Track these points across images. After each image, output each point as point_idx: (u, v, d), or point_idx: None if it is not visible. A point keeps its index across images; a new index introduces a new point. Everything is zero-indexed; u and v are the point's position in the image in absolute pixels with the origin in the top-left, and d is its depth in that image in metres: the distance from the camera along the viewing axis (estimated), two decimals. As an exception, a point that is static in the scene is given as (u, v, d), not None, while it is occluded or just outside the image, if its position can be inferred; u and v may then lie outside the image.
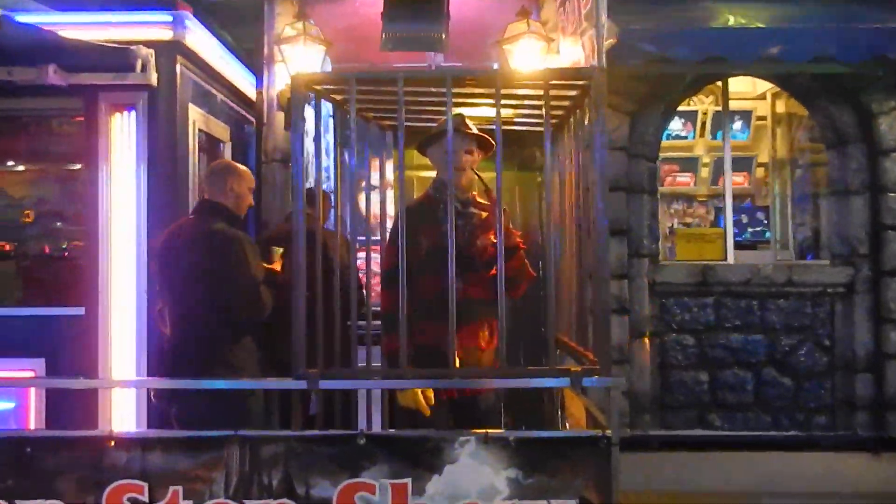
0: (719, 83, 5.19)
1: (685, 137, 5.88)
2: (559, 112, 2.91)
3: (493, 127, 2.79)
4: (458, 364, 2.72)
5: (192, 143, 3.69)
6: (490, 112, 3.08)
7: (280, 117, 4.38)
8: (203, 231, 2.92)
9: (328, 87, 2.69)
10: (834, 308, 4.61)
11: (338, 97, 2.79)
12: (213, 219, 2.93)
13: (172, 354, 2.97)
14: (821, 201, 5.56)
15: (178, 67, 3.51)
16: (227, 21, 4.70)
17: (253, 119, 4.70)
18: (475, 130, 2.82)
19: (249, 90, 4.67)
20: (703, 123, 5.84)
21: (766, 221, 5.78)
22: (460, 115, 2.83)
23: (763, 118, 5.79)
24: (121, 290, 3.36)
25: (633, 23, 3.48)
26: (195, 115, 3.75)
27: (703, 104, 5.83)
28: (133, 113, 3.43)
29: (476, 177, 2.84)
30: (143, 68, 3.33)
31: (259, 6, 4.54)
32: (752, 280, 4.59)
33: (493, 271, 2.42)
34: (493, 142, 2.48)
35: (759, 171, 5.97)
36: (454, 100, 2.63)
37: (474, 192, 2.89)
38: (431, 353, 2.72)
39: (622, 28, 3.24)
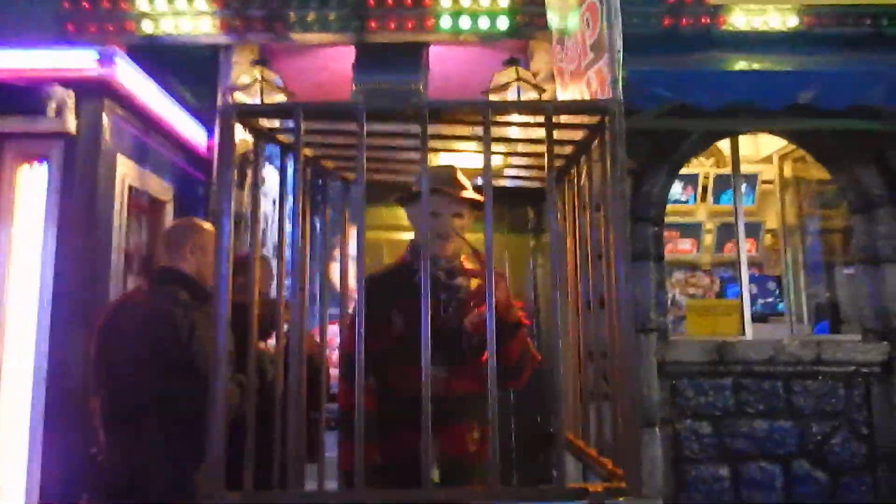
0: (721, 143, 4.77)
1: (685, 202, 5.43)
2: (558, 161, 2.38)
3: (480, 178, 2.27)
4: (437, 479, 2.09)
5: (120, 201, 3.11)
6: (475, 162, 2.56)
7: (234, 175, 3.82)
8: (162, 305, 2.28)
9: (271, 127, 2.14)
10: (870, 389, 4.02)
11: (286, 139, 2.23)
12: (172, 290, 2.32)
13: (111, 479, 2.25)
14: (836, 270, 5.10)
15: (104, 112, 2.96)
16: (185, 78, 4.21)
17: (203, 177, 4.14)
18: (469, 188, 2.25)
19: (202, 146, 4.13)
20: (705, 187, 5.41)
21: (777, 292, 5.27)
22: (451, 169, 2.27)
23: (769, 182, 5.37)
24: (10, 385, 2.68)
25: (643, 66, 3.01)
26: (126, 168, 3.19)
27: (703, 167, 5.42)
28: (45, 165, 2.85)
29: (463, 242, 2.25)
30: (59, 112, 2.78)
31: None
32: (775, 358, 4.01)
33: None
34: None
35: (767, 239, 5.51)
36: (432, 143, 2.09)
37: (463, 257, 2.30)
38: (407, 470, 2.06)
39: (631, 69, 2.74)
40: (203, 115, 4.04)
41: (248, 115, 1.92)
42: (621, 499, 1.79)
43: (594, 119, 2.03)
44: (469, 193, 2.18)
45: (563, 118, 2.05)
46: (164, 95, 3.55)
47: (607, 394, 2.18)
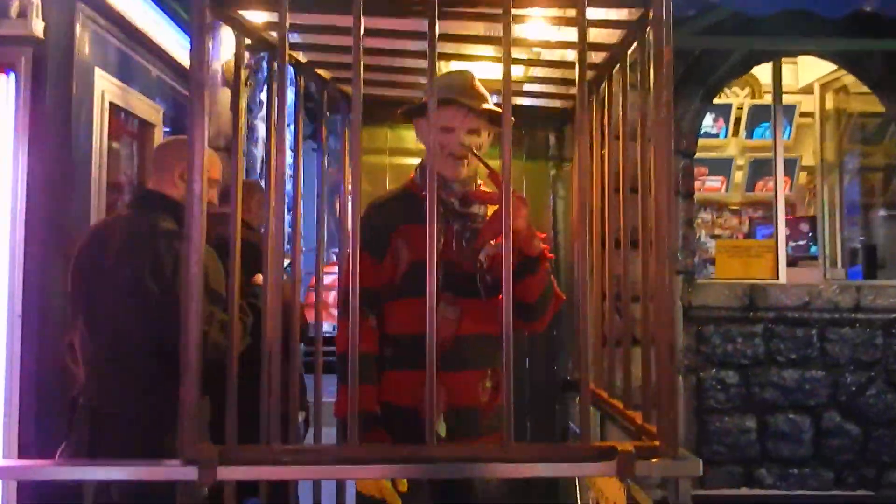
0: (759, 71, 4.38)
1: (716, 136, 5.05)
2: (588, 73, 2.04)
3: (496, 96, 1.95)
4: (444, 433, 1.85)
5: (99, 119, 2.81)
6: (491, 72, 2.23)
7: (226, 95, 3.51)
8: (142, 231, 2.04)
9: (254, 22, 1.83)
10: (911, 338, 3.75)
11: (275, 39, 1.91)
12: (157, 215, 2.06)
13: (90, 411, 2.04)
14: (874, 212, 4.77)
15: (77, 18, 2.63)
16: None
17: (196, 99, 3.81)
18: (488, 100, 1.91)
19: (195, 66, 3.79)
20: (738, 120, 5.02)
21: (811, 234, 4.95)
22: (467, 75, 1.93)
23: (807, 115, 4.98)
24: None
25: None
26: (106, 84, 2.88)
27: (737, 97, 5.02)
28: (12, 76, 2.55)
29: (480, 163, 1.92)
30: (23, 13, 2.46)
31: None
32: (810, 304, 3.73)
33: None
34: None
35: (802, 177, 5.16)
36: (442, 47, 1.77)
37: (480, 183, 1.99)
38: (407, 417, 1.83)
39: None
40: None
41: (225, 3, 1.60)
42: (654, 460, 1.54)
43: (634, 14, 1.70)
44: (488, 105, 1.86)
45: (598, 13, 1.72)
46: (149, 4, 3.21)
47: (636, 340, 1.93)
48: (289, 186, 4.54)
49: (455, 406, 1.84)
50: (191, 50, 1.57)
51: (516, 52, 1.96)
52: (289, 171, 4.52)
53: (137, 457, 1.81)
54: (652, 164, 1.59)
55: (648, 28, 1.58)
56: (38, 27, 2.51)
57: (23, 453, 2.48)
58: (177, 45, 3.60)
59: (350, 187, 1.63)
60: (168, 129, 3.63)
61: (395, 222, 1.90)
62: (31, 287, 2.54)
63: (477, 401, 1.88)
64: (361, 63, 1.53)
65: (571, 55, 2.24)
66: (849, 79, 4.53)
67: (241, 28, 1.76)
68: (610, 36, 1.94)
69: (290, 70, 2.19)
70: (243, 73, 3.21)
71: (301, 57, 2.10)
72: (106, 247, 2.09)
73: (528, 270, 1.78)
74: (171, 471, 1.51)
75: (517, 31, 1.80)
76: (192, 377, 1.52)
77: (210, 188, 2.24)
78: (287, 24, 1.56)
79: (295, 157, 2.57)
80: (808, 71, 4.79)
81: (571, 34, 1.65)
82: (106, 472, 1.67)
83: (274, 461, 1.53)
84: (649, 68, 1.62)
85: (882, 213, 4.70)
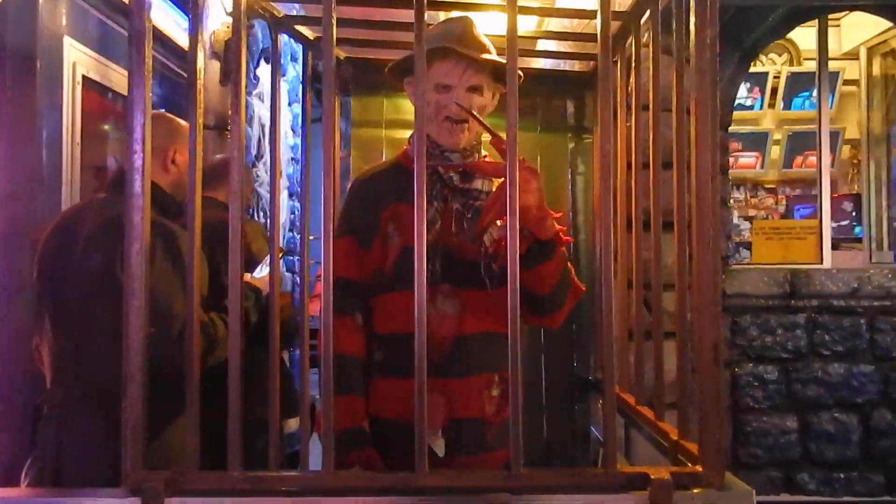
0: (799, 34, 4.00)
1: (750, 107, 4.70)
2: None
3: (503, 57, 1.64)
4: (442, 451, 1.57)
5: (70, 94, 2.55)
6: (499, 27, 1.92)
7: (215, 69, 3.24)
8: (116, 217, 1.77)
9: None
10: (971, 330, 3.41)
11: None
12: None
13: (55, 422, 1.79)
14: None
15: (38, -20, 2.37)
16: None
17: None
18: (491, 50, 1.60)
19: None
20: (774, 89, 4.65)
21: (854, 213, 4.59)
22: (465, 21, 1.62)
23: (851, 83, 4.60)
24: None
25: None
26: (77, 55, 2.61)
27: (774, 64, 4.65)
28: (-34, 44, 2.30)
29: (482, 128, 1.60)
30: (-27, -28, 2.20)
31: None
32: (859, 290, 3.40)
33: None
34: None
35: (845, 151, 4.79)
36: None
37: (485, 154, 1.68)
38: (399, 434, 1.54)
39: None
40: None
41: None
42: (696, 490, 1.26)
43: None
44: (492, 56, 1.55)
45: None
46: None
47: (669, 333, 1.66)
48: (291, 170, 4.23)
49: (456, 418, 1.56)
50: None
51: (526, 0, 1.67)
52: (291, 154, 4.21)
53: (108, 475, 1.56)
54: (692, 124, 1.31)
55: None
56: (-8, -11, 2.27)
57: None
58: (166, 18, 3.34)
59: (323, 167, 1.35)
60: (162, 110, 3.39)
61: (385, 202, 1.61)
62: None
63: (482, 412, 1.59)
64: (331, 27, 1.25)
65: (592, 3, 1.94)
66: (898, 41, 4.17)
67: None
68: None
69: (292, 45, 1.93)
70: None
71: (309, 34, 1.83)
72: (75, 233, 1.85)
73: (540, 256, 1.49)
74: (111, 502, 1.28)
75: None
76: (136, 390, 1.29)
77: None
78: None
79: (303, 139, 2.25)
80: (852, 35, 4.44)
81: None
82: (29, 499, 1.42)
83: (233, 491, 1.28)
84: (687, 10, 1.34)
85: (934, 189, 4.33)
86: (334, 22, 1.26)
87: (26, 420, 2.30)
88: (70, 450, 1.76)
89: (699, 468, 1.29)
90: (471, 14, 1.69)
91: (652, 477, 1.23)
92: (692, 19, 1.26)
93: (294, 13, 1.91)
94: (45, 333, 1.88)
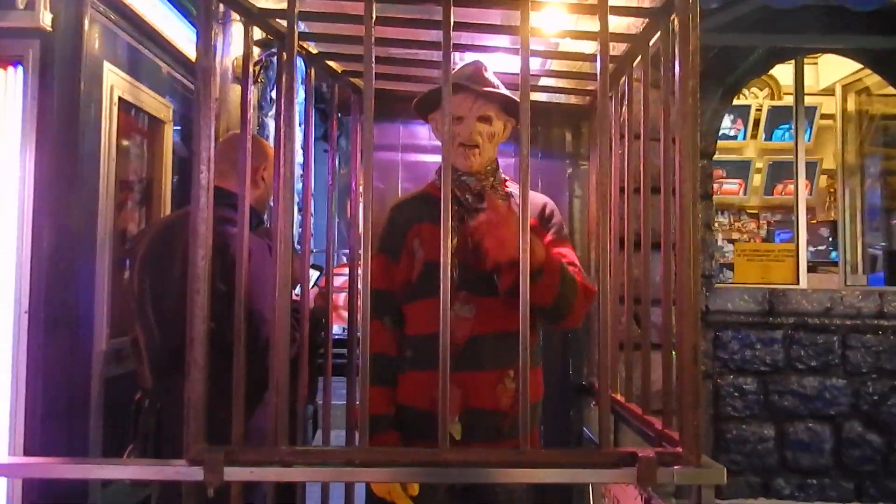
0: (779, 71, 4.28)
1: (734, 137, 4.96)
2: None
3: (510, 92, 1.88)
4: (458, 435, 1.78)
5: (108, 114, 2.77)
6: (509, 66, 2.16)
7: (236, 91, 3.46)
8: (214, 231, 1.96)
9: (263, 8, 1.78)
10: (935, 347, 3.64)
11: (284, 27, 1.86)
12: (225, 215, 1.91)
13: (156, 413, 2.01)
14: (896, 216, 4.67)
15: (85, 11, 2.59)
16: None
17: (207, 97, 3.76)
18: (499, 86, 1.85)
19: (206, 63, 3.75)
20: (757, 121, 4.93)
21: (830, 239, 4.85)
22: (476, 64, 1.88)
23: (828, 117, 4.88)
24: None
25: (703, -44, 2.55)
26: (114, 79, 2.83)
27: (756, 98, 4.93)
28: (20, 69, 2.51)
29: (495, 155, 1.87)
30: (30, 5, 2.42)
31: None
32: (832, 310, 3.63)
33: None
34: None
35: (822, 180, 5.06)
36: (457, 38, 1.71)
37: (505, 180, 1.93)
38: (422, 419, 1.77)
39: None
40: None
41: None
42: (676, 467, 1.47)
43: (657, 1, 1.64)
44: (497, 90, 1.79)
45: (619, 1, 1.65)
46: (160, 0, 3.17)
47: (655, 344, 1.86)
48: (298, 185, 4.47)
49: (471, 408, 1.78)
50: (197, 35, 1.52)
51: (533, 44, 1.90)
52: (298, 171, 4.46)
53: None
54: (676, 157, 1.53)
55: (673, 16, 1.51)
56: (45, 19, 2.47)
57: (28, 453, 2.44)
58: (187, 42, 3.56)
59: (362, 183, 1.57)
60: (178, 127, 3.60)
61: (412, 222, 1.85)
62: (38, 284, 2.49)
63: (495, 403, 1.80)
64: (373, 50, 1.48)
65: (589, 48, 2.18)
66: (871, 80, 4.44)
67: (248, 14, 1.70)
68: (630, 27, 1.88)
69: (301, 66, 2.14)
70: (253, 69, 3.16)
71: (311, 49, 2.05)
72: (174, 244, 2.04)
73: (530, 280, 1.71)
74: (177, 471, 1.46)
75: (534, 20, 1.74)
76: (199, 374, 1.47)
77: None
78: (297, 11, 1.51)
79: (305, 155, 2.51)
80: (829, 72, 4.70)
81: (590, 24, 1.59)
82: (111, 471, 1.62)
83: (281, 462, 1.47)
84: (673, 60, 1.55)
85: (904, 217, 4.59)
86: (372, 65, 1.48)
87: (64, 408, 2.50)
88: (168, 436, 1.96)
89: (680, 449, 1.50)
90: (487, 55, 1.93)
91: (640, 455, 1.43)
92: (677, 69, 1.48)
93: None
94: (147, 333, 2.08)
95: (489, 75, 1.83)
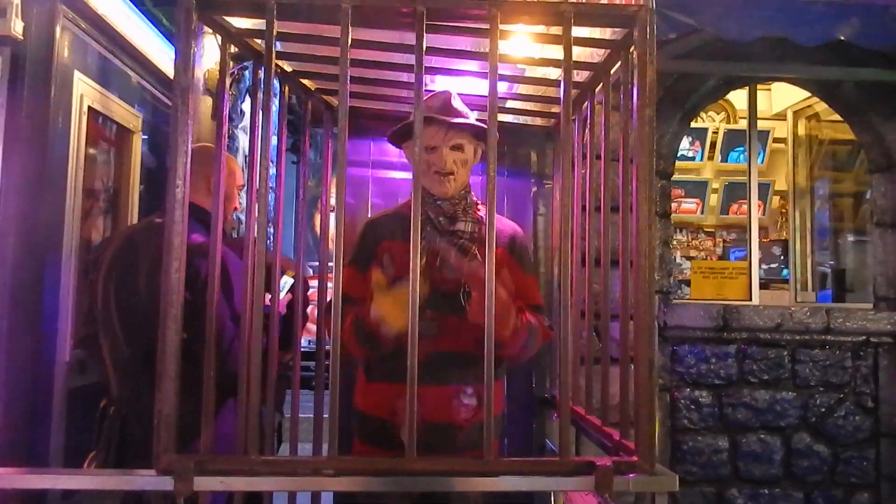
0: (734, 96, 4.47)
1: (692, 158, 5.14)
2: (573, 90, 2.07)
3: (478, 112, 1.96)
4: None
5: (77, 122, 2.77)
6: (477, 88, 2.25)
7: (207, 103, 3.49)
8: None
9: (240, 28, 1.83)
10: (878, 361, 3.81)
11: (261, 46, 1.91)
12: (191, 227, 1.99)
13: (121, 418, 2.05)
14: (843, 237, 4.88)
15: (57, 20, 2.60)
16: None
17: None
18: (469, 116, 1.94)
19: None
20: (714, 143, 5.11)
21: (782, 258, 5.05)
22: (445, 94, 1.97)
23: (780, 140, 5.09)
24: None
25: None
26: (84, 88, 2.83)
27: (713, 122, 5.12)
28: (-11, 75, 2.50)
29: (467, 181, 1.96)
30: (1, 13, 2.42)
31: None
32: (782, 325, 3.78)
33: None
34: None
35: (775, 201, 5.26)
36: (429, 62, 1.79)
37: (476, 203, 2.02)
38: (381, 428, 1.85)
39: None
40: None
41: (210, 6, 1.59)
42: (632, 475, 1.55)
43: (618, 34, 1.73)
44: (468, 119, 1.88)
45: (583, 31, 1.74)
46: (131, 9, 3.18)
47: (614, 358, 1.95)
48: (271, 197, 4.50)
49: (429, 421, 1.84)
50: (176, 54, 1.57)
51: (501, 69, 1.99)
52: (270, 182, 4.47)
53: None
54: (633, 182, 1.61)
55: (632, 48, 1.61)
56: (17, 27, 2.47)
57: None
58: (159, 52, 3.57)
59: (334, 198, 1.63)
60: (146, 137, 3.59)
61: (383, 238, 1.92)
62: (1, 293, 2.47)
63: (452, 417, 1.87)
64: (348, 74, 1.54)
65: (554, 73, 2.27)
66: (820, 106, 4.66)
67: (227, 34, 1.75)
68: (593, 55, 1.97)
69: (275, 81, 2.19)
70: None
71: (286, 66, 2.10)
72: (139, 253, 2.08)
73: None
74: (146, 481, 1.49)
75: (502, 47, 1.82)
76: (169, 385, 1.50)
77: (237, 195, 2.25)
78: (275, 32, 1.57)
79: (277, 168, 2.54)
80: (781, 98, 4.91)
81: (555, 52, 1.67)
82: (78, 480, 1.64)
83: (250, 472, 1.51)
84: (632, 88, 1.64)
85: (851, 238, 4.80)
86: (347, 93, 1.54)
87: (27, 414, 2.48)
88: (132, 442, 1.98)
89: (635, 458, 1.58)
90: (457, 78, 2.01)
91: (597, 464, 1.51)
92: (635, 98, 1.57)
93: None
94: (114, 343, 2.09)
95: (457, 104, 1.92)
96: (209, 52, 3.55)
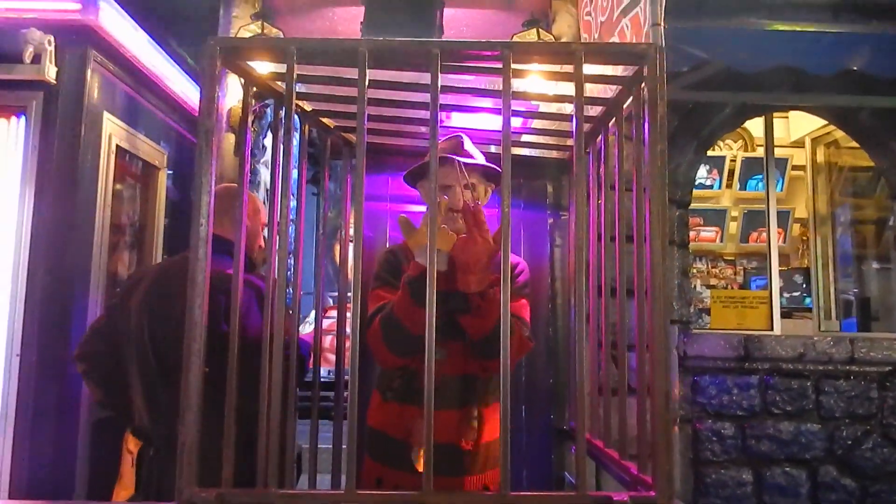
0: (751, 124, 4.48)
1: (710, 187, 5.14)
2: (585, 125, 2.11)
3: (493, 147, 2.00)
4: (420, 465, 1.87)
5: (105, 161, 2.86)
6: (491, 124, 2.29)
7: (230, 140, 3.58)
8: (214, 276, 2.03)
9: (263, 72, 1.89)
10: (905, 392, 3.74)
11: (281, 87, 1.98)
12: (224, 259, 1.98)
13: (160, 460, 2.06)
14: (867, 264, 4.82)
15: (87, 63, 2.71)
16: (183, 36, 3.96)
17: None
18: (479, 157, 2.01)
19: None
20: (731, 172, 5.11)
21: (804, 286, 4.99)
22: (458, 138, 2.05)
23: (799, 168, 5.07)
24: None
25: (678, 24, 2.70)
26: (112, 127, 2.94)
27: (730, 149, 5.12)
28: (22, 119, 2.61)
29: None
30: (36, 58, 2.53)
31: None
32: (805, 355, 3.73)
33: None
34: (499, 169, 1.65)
35: (795, 228, 5.22)
36: (444, 99, 1.83)
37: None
38: (393, 446, 1.92)
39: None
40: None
41: (234, 52, 1.65)
42: (650, 510, 1.54)
43: (629, 71, 1.77)
44: (480, 161, 1.95)
45: (595, 69, 1.78)
46: (157, 50, 3.30)
47: (633, 389, 1.94)
48: (292, 229, 4.58)
49: (436, 443, 1.86)
50: (200, 98, 1.62)
51: (515, 105, 2.03)
52: (289, 216, 4.57)
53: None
54: (646, 215, 1.63)
55: (643, 84, 1.64)
56: (50, 72, 2.58)
57: (13, 496, 2.46)
58: (183, 89, 3.69)
59: (353, 231, 1.67)
60: (171, 172, 3.70)
61: (402, 262, 1.98)
62: (31, 328, 2.55)
63: (458, 440, 1.91)
64: (366, 114, 1.59)
65: (568, 108, 2.31)
66: (839, 133, 4.64)
67: (249, 77, 1.82)
68: (605, 90, 2.01)
69: (295, 118, 2.26)
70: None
71: (306, 106, 2.16)
72: (174, 289, 2.08)
73: (458, 307, 1.81)
74: (164, 516, 1.51)
75: (516, 84, 1.86)
76: (192, 417, 1.53)
77: (261, 233, 2.31)
78: (295, 75, 1.62)
79: (298, 203, 2.60)
80: (799, 125, 4.90)
81: (569, 89, 1.71)
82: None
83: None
84: (644, 122, 1.67)
85: (875, 265, 4.74)
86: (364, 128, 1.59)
87: (53, 447, 2.52)
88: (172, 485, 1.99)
89: (653, 493, 1.57)
90: (472, 115, 2.06)
91: (614, 499, 1.51)
92: (646, 132, 1.59)
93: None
94: (146, 381, 2.10)
95: (469, 147, 2.00)
96: (231, 90, 3.67)
